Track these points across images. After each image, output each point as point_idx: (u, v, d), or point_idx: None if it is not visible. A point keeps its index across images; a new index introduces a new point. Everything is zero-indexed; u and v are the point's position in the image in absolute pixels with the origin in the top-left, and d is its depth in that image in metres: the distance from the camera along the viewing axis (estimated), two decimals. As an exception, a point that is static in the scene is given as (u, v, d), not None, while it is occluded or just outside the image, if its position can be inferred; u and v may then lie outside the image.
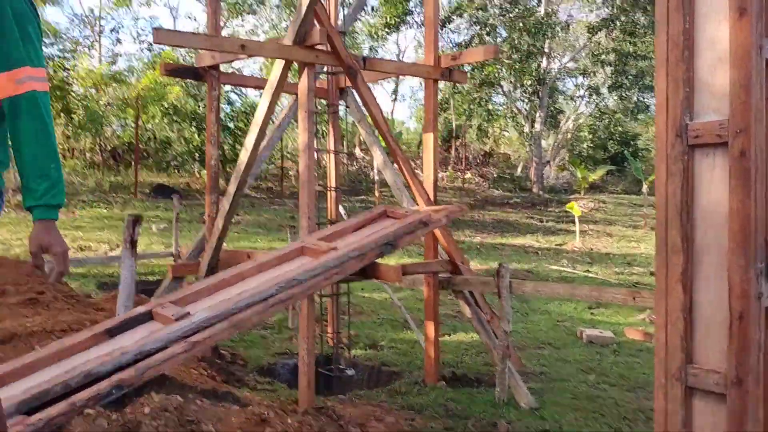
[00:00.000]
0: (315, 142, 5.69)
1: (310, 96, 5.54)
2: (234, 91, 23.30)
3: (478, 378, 6.53)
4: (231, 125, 22.12)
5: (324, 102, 7.36)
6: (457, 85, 24.33)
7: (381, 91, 46.47)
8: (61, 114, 19.29)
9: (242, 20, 31.07)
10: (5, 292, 6.34)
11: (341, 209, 7.49)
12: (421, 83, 27.88)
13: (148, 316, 4.39)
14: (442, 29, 26.24)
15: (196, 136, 22.06)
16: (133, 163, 21.03)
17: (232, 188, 6.20)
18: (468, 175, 31.26)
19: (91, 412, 3.52)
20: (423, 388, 6.10)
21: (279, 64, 5.67)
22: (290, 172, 24.73)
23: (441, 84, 7.78)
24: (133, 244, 5.29)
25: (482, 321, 6.28)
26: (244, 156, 6.05)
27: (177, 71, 7.12)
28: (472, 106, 28.74)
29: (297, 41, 5.49)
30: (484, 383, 6.35)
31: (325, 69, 6.91)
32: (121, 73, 21.70)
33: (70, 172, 20.46)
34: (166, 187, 19.75)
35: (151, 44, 26.55)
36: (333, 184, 7.30)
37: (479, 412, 5.45)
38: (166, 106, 21.00)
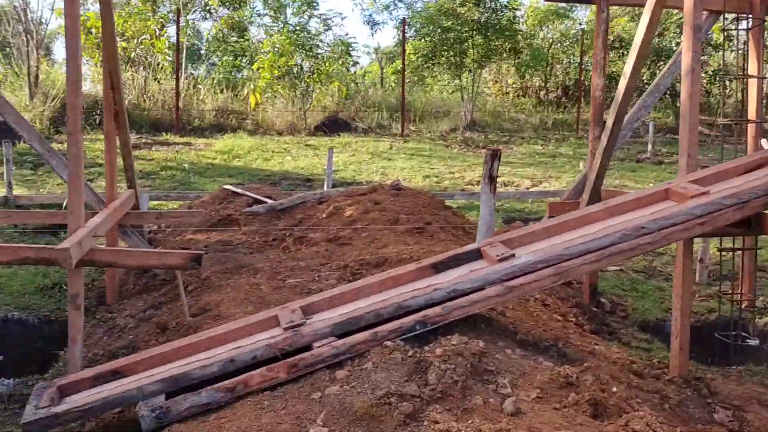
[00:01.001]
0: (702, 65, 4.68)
1: (697, 7, 4.55)
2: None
3: None
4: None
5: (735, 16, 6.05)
6: None
7: None
8: (510, 52, 19.97)
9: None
10: (398, 221, 6.81)
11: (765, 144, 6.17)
12: None
13: (477, 254, 4.19)
14: None
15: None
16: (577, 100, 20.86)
17: (609, 121, 5.54)
18: None
19: (390, 344, 3.50)
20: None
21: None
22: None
23: None
24: (492, 179, 5.12)
25: None
26: (622, 84, 5.33)
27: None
28: None
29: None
30: None
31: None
32: (559, 8, 21.34)
33: (519, 111, 21.25)
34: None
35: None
36: (753, 116, 6.01)
37: None
38: (612, 38, 20.12)
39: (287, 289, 5.15)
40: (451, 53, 19.31)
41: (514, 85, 23.01)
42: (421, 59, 19.84)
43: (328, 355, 3.46)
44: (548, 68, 22.03)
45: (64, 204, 6.92)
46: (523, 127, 19.24)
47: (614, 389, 3.53)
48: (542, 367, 3.58)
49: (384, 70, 25.23)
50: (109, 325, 5.41)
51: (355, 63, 22.58)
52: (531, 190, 11.37)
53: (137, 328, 5.12)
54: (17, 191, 9.46)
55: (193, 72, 21.06)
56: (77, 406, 3.47)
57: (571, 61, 22.25)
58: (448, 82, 21.41)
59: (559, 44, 21.99)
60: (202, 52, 23.93)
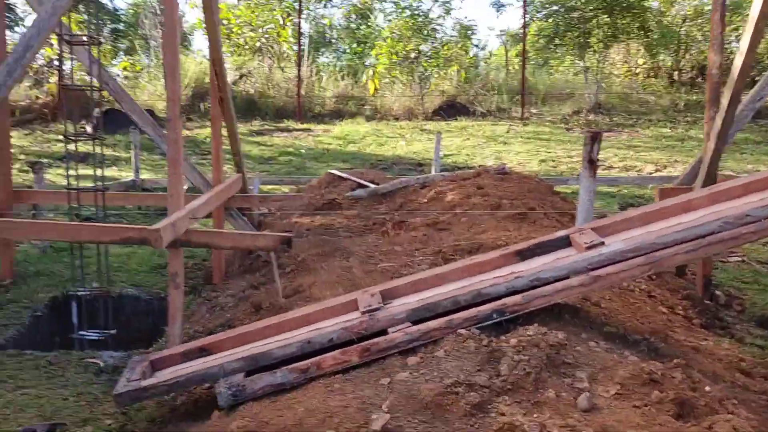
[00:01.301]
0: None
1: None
2: None
3: None
4: None
5: None
6: None
7: None
8: (638, 31, 19.03)
9: None
10: (500, 206, 6.65)
11: None
12: None
13: (566, 242, 4.01)
14: None
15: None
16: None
17: (724, 101, 5.14)
18: None
19: (464, 332, 3.42)
20: None
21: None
22: None
23: None
24: (591, 163, 4.90)
25: None
26: (737, 62, 4.92)
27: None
28: None
29: None
30: None
31: None
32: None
33: (648, 92, 20.22)
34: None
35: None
36: None
37: None
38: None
39: (378, 273, 5.16)
40: (576, 33, 18.64)
41: (644, 66, 21.90)
42: (544, 40, 19.30)
43: (400, 341, 3.43)
44: (681, 47, 20.79)
45: (186, 186, 7.29)
46: (652, 110, 18.29)
47: (707, 388, 3.27)
48: (627, 362, 3.37)
49: (508, 53, 24.76)
50: (212, 304, 5.64)
51: (478, 46, 22.30)
52: (653, 175, 10.79)
53: (236, 307, 5.30)
54: (144, 176, 10.06)
55: (316, 59, 21.55)
56: (164, 381, 3.64)
57: (707, 38, 20.87)
58: (572, 63, 20.70)
59: (692, 21, 20.69)
60: (327, 39, 24.44)
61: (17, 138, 13.75)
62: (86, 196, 5.46)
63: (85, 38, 5.48)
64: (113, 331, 5.40)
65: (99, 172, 5.48)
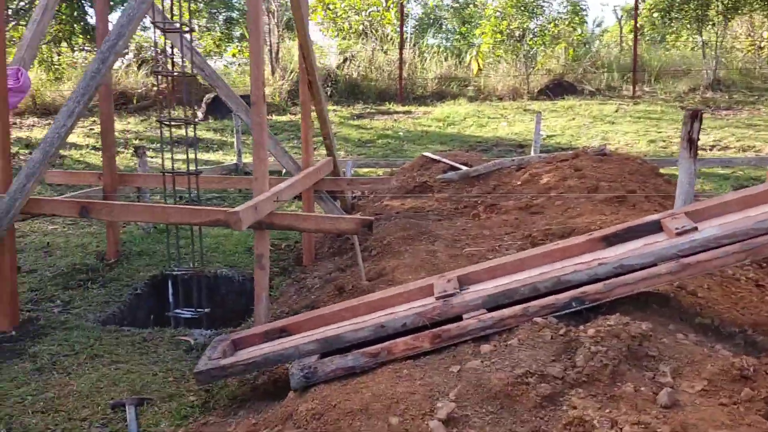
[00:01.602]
0: None
1: None
2: None
3: None
4: None
5: None
6: None
7: None
8: (763, 2, 17.71)
9: None
10: (597, 189, 6.38)
11: None
12: None
13: (657, 227, 3.77)
14: None
15: None
16: None
17: None
18: None
19: (540, 320, 3.29)
20: None
21: None
22: None
23: None
24: (691, 142, 4.61)
25: None
26: None
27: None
28: None
29: None
30: None
31: None
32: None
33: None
34: None
35: None
36: None
37: None
38: None
39: (464, 258, 5.06)
40: (693, 6, 17.58)
41: (769, 38, 20.41)
42: (659, 14, 18.32)
43: (473, 328, 3.33)
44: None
45: (283, 171, 7.42)
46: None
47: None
48: (717, 356, 3.14)
49: (623, 29, 23.73)
50: (300, 285, 5.72)
51: (590, 23, 21.48)
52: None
53: (321, 288, 5.35)
54: (247, 159, 10.34)
55: (419, 41, 21.44)
56: (242, 360, 3.71)
57: None
58: (688, 38, 19.57)
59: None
60: (432, 21, 24.26)
61: (134, 124, 14.49)
62: (182, 180, 5.65)
63: (177, 26, 5.63)
64: (207, 310, 5.57)
65: (193, 155, 5.65)
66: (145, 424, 3.73)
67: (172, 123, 5.49)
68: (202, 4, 19.90)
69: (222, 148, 12.34)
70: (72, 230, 7.58)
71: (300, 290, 5.60)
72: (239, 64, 20.93)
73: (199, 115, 14.55)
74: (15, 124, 13.84)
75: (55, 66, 16.28)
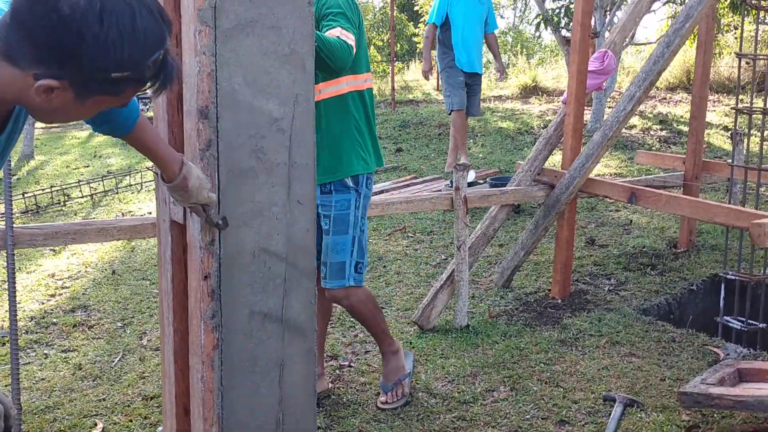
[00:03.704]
0: None
1: None
2: None
3: None
4: None
5: None
6: None
7: None
8: None
9: None
10: None
11: None
12: None
13: None
14: None
15: None
16: None
17: None
18: None
19: None
20: None
21: None
22: None
23: None
24: None
25: None
26: None
27: None
28: None
29: None
30: None
31: None
32: None
33: None
34: None
35: None
36: None
37: None
38: None
39: None
40: None
41: None
42: None
43: None
44: None
45: None
46: None
47: None
48: None
49: None
50: None
51: None
52: None
53: None
54: None
55: None
56: (733, 395, 3.20)
57: None
58: None
59: None
60: None
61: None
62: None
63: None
64: (762, 325, 4.91)
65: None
66: (623, 427, 3.60)
67: None
68: None
69: None
70: (660, 211, 7.55)
71: None
72: None
73: None
74: (665, 98, 14.21)
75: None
